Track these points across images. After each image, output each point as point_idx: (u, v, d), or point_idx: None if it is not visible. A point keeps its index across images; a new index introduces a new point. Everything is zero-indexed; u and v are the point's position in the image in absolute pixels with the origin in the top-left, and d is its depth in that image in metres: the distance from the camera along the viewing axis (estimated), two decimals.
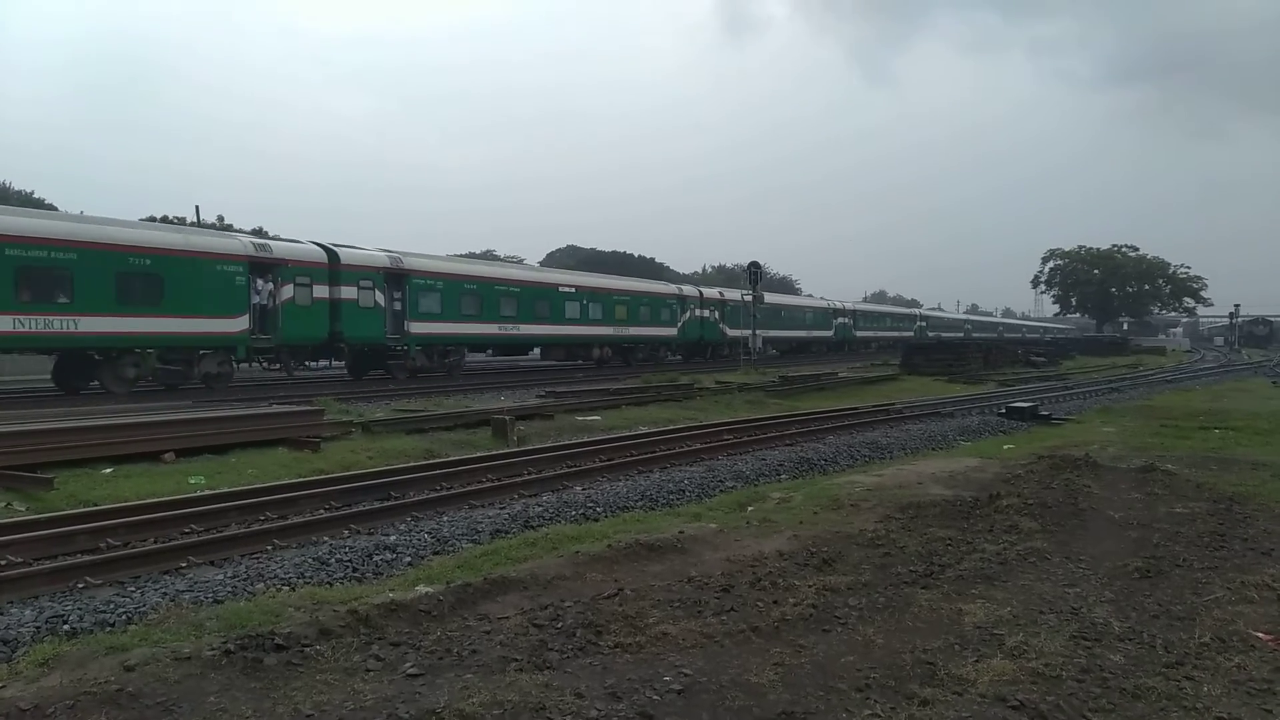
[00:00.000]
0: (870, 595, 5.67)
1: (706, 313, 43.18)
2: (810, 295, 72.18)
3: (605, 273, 44.65)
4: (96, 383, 20.38)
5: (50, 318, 18.52)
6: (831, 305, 61.59)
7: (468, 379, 28.04)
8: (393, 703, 3.91)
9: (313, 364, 27.25)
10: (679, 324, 41.47)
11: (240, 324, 22.00)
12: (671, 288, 44.01)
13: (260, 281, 22.63)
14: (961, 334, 78.91)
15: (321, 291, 23.92)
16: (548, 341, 34.75)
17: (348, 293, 24.70)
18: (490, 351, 34.98)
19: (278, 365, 24.61)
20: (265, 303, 22.67)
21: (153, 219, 46.09)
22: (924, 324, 78.16)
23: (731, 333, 44.26)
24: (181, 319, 20.82)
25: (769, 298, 47.63)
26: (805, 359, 48.72)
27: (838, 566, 6.35)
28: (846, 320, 61.45)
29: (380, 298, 25.68)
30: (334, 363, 28.32)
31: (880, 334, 66.27)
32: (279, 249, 23.84)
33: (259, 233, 42.54)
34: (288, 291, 23.06)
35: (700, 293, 44.31)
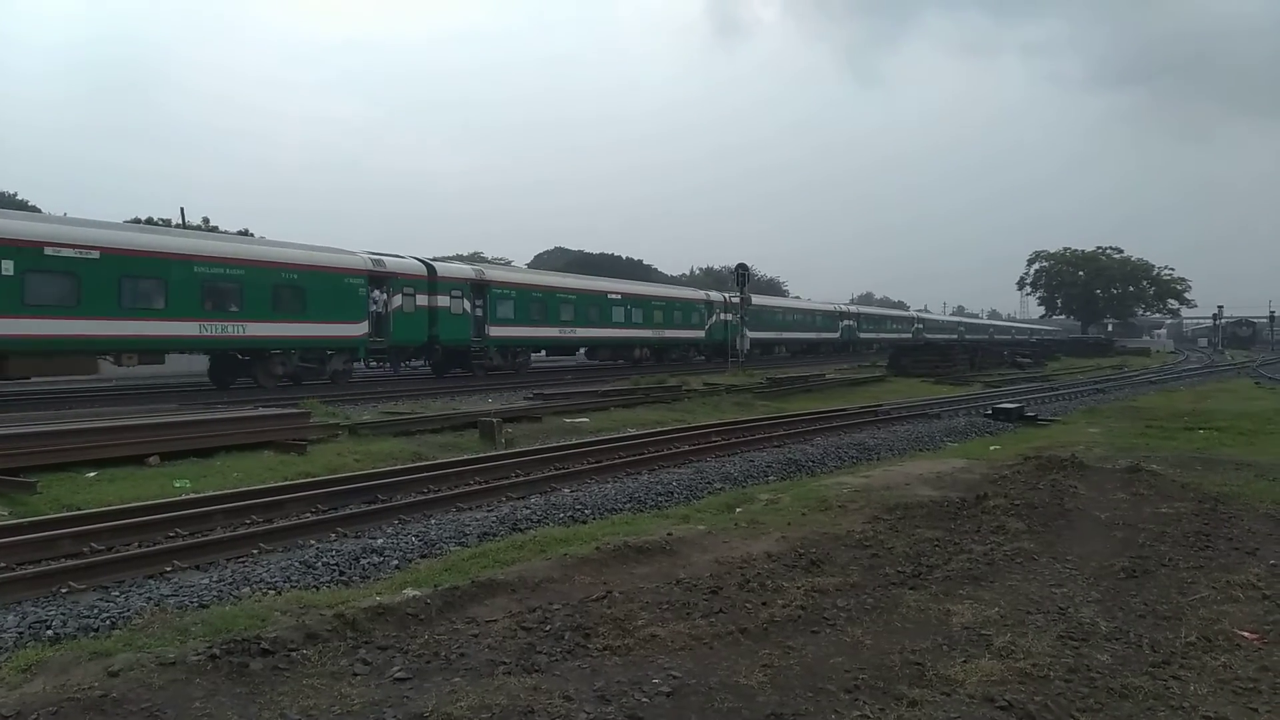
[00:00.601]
0: (858, 596, 5.68)
1: (730, 316, 44.92)
2: (799, 299, 74.09)
3: (634, 279, 48.03)
4: (247, 379, 23.91)
5: (225, 323, 22.29)
6: (838, 309, 65.12)
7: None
8: (380, 707, 3.89)
9: (410, 363, 30.81)
10: (706, 327, 44.64)
11: (361, 329, 25.61)
12: (700, 294, 46.97)
13: (376, 292, 26.01)
14: (955, 335, 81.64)
15: (422, 300, 27.51)
16: (597, 343, 38.20)
17: (442, 301, 28.26)
18: (544, 352, 37.71)
19: (386, 364, 28.65)
20: (379, 310, 26.06)
21: (137, 220, 45.91)
22: (921, 326, 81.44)
23: (754, 335, 46.79)
24: (319, 324, 24.53)
25: (783, 302, 56.79)
26: (811, 360, 50.52)
27: (826, 568, 6.36)
28: (851, 323, 64.99)
29: (467, 305, 29.27)
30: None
31: (881, 336, 68.87)
32: (390, 264, 27.04)
33: (245, 234, 42.37)
34: (396, 301, 26.61)
35: (725, 298, 46.59)
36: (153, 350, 22.11)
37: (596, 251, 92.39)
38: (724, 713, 3.95)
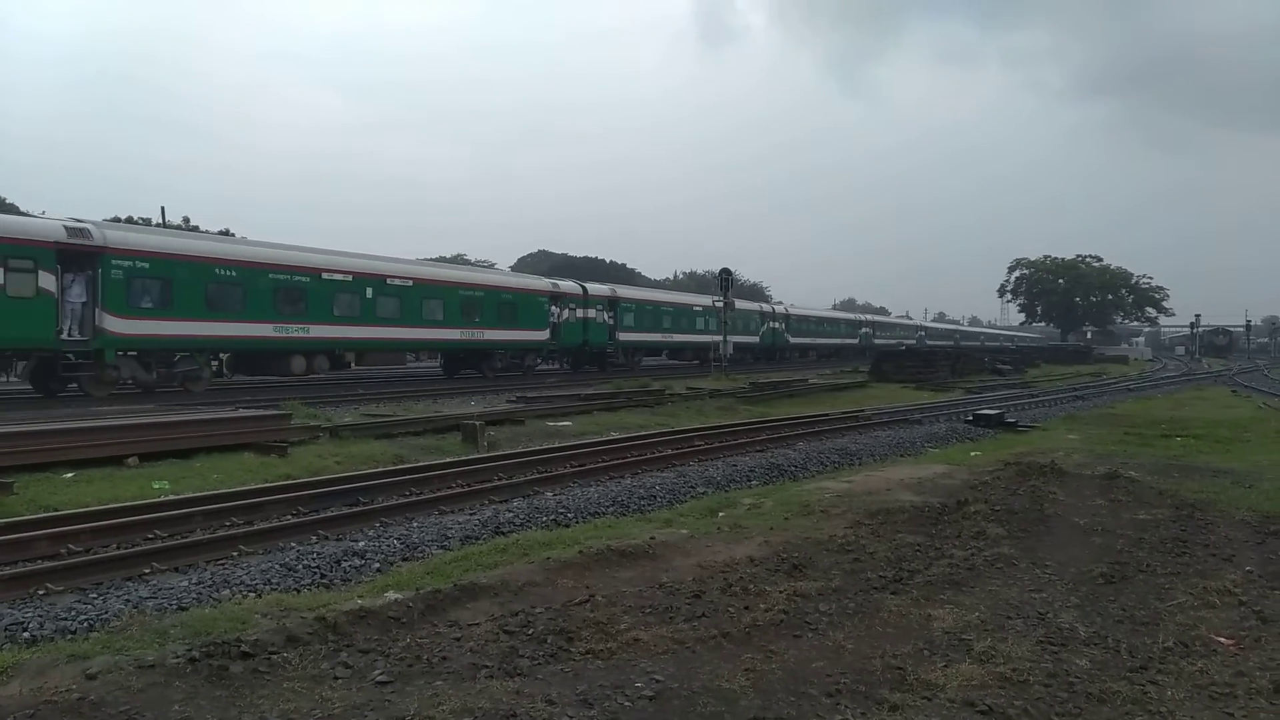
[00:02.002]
0: (840, 601, 5.70)
1: (778, 324, 55.75)
2: (829, 310, 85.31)
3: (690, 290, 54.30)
4: (471, 371, 32.53)
5: (474, 331, 30.75)
6: (858, 318, 78.02)
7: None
8: (362, 711, 3.87)
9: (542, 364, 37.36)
10: (759, 333, 53.22)
11: (545, 335, 34.48)
12: (755, 305, 55.67)
13: (553, 308, 34.85)
14: (951, 342, 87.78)
15: (579, 313, 36.39)
16: (685, 346, 45.84)
17: (591, 314, 37.12)
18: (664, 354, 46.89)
19: (554, 363, 37.90)
20: (555, 321, 34.73)
21: (118, 219, 45.52)
22: (923, 334, 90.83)
23: (794, 340, 57.94)
24: (523, 331, 33.32)
25: (814, 312, 67.50)
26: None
27: (808, 572, 6.38)
28: (868, 330, 74.66)
29: (606, 316, 38.09)
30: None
31: (890, 341, 76.47)
32: (562, 286, 36.40)
33: (225, 234, 42.12)
34: (565, 314, 35.48)
35: (774, 309, 56.66)
36: (435, 349, 32.96)
37: (580, 255, 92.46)
38: (706, 716, 3.96)
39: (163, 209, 42.68)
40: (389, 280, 27.44)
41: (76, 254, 19.23)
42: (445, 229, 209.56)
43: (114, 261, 19.89)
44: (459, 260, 70.44)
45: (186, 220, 50.05)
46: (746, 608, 5.48)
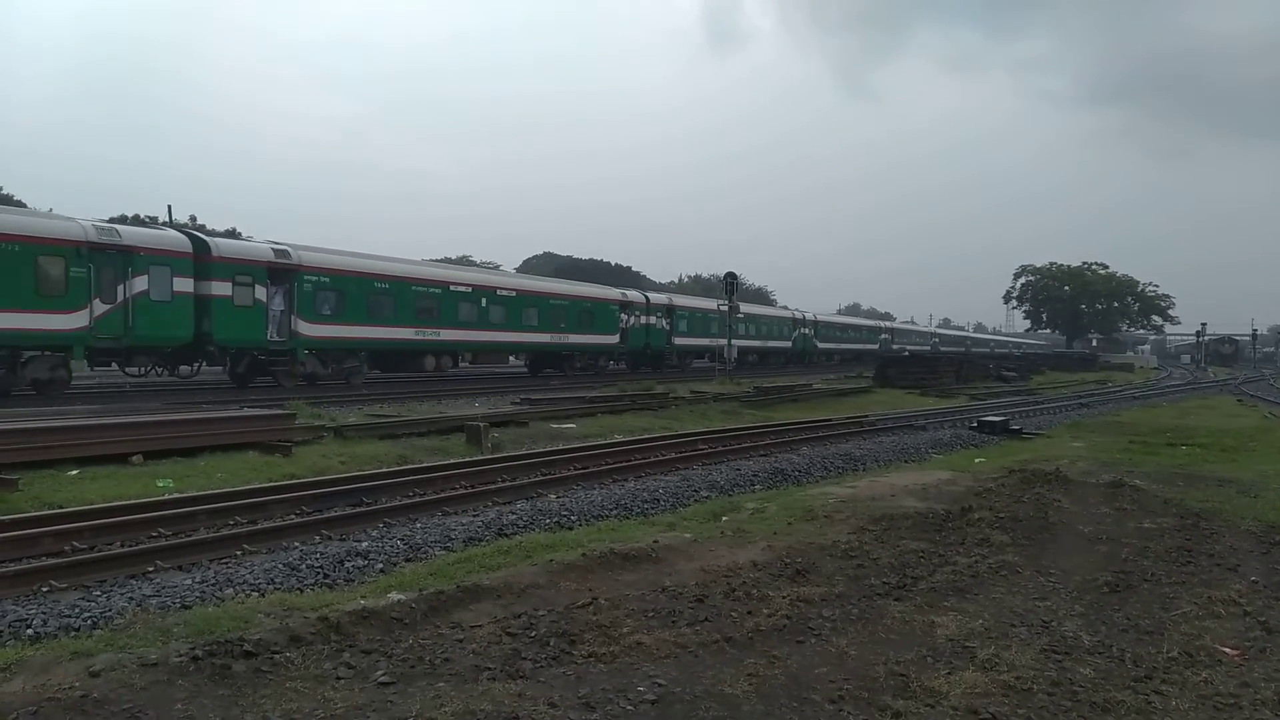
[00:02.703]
0: (843, 606, 5.69)
1: (807, 330, 60.02)
2: (854, 318, 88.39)
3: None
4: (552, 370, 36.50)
5: (561, 335, 34.95)
6: (878, 325, 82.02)
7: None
8: (364, 711, 3.87)
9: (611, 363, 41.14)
10: (791, 339, 57.78)
11: (616, 339, 38.65)
12: (786, 313, 60.06)
13: (622, 315, 39.21)
14: (963, 348, 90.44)
15: (643, 320, 40.95)
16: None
17: (652, 320, 41.76)
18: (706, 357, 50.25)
19: (620, 364, 41.31)
20: (623, 326, 39.20)
21: (124, 218, 45.71)
22: (937, 340, 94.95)
23: (821, 346, 62.34)
24: (599, 336, 37.45)
25: (840, 319, 73.77)
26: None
27: (811, 577, 6.37)
28: (887, 336, 78.44)
29: (664, 322, 42.55)
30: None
31: (909, 347, 79.74)
32: (630, 295, 40.90)
33: (232, 233, 42.25)
34: (631, 320, 39.89)
35: (803, 316, 60.43)
36: (530, 350, 36.06)
37: (585, 257, 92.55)
38: None
39: (170, 208, 42.79)
40: (498, 291, 32.24)
41: (279, 271, 23.65)
42: (448, 225, 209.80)
43: (305, 277, 24.29)
44: (464, 261, 70.92)
45: (193, 219, 50.19)
46: (749, 612, 5.47)
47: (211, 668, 4.24)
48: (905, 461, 15.69)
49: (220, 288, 22.06)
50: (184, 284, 21.35)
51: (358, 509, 9.64)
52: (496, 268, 64.84)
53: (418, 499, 10.30)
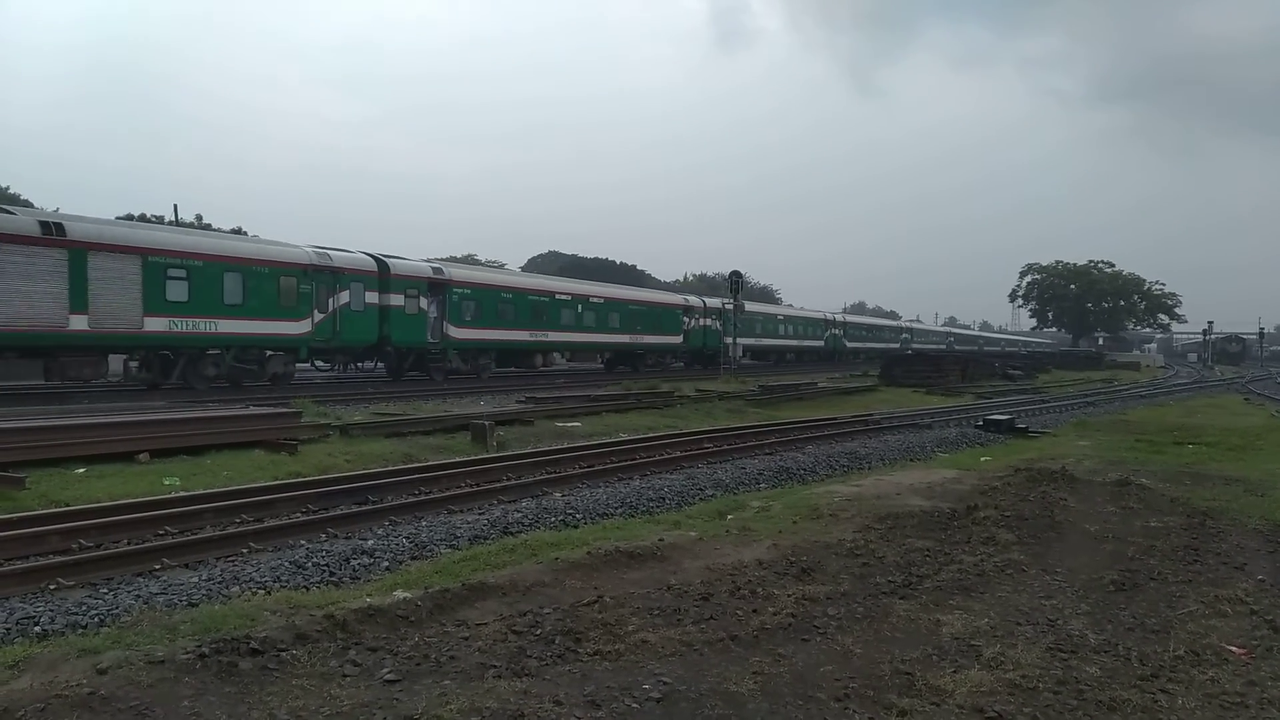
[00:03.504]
0: (849, 605, 5.68)
1: (837, 330, 65.07)
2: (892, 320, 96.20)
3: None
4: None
5: (635, 336, 39.80)
6: (899, 325, 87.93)
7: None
8: (370, 709, 3.88)
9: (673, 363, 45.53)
10: (824, 338, 62.56)
11: (680, 339, 43.68)
12: (819, 314, 64.19)
13: (685, 318, 43.89)
14: (975, 347, 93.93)
15: (700, 322, 45.49)
16: (773, 350, 55.95)
17: (708, 322, 45.77)
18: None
19: (679, 362, 45.94)
20: (686, 328, 43.77)
21: (130, 217, 45.94)
22: (952, 339, 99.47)
23: (849, 345, 66.05)
24: (666, 337, 42.33)
25: (865, 320, 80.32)
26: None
27: (817, 576, 6.36)
28: (907, 335, 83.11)
29: (719, 324, 45.62)
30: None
31: (926, 346, 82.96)
32: (690, 300, 46.51)
33: (238, 232, 42.35)
34: (691, 323, 44.68)
35: (834, 318, 66.25)
36: (612, 350, 40.11)
37: (590, 256, 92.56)
38: (714, 719, 3.96)
39: (175, 206, 42.92)
40: (590, 299, 37.40)
41: (435, 285, 28.89)
42: (453, 227, 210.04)
43: (453, 290, 29.61)
44: (469, 259, 71.32)
45: (199, 218, 50.30)
46: (755, 611, 5.47)
47: (218, 665, 4.25)
48: (911, 460, 15.67)
49: (396, 299, 27.20)
50: (371, 297, 26.42)
51: (363, 507, 9.65)
52: (502, 266, 65.04)
53: (423, 497, 10.31)
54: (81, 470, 10.71)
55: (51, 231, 18.93)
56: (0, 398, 18.37)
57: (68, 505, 8.91)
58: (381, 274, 26.78)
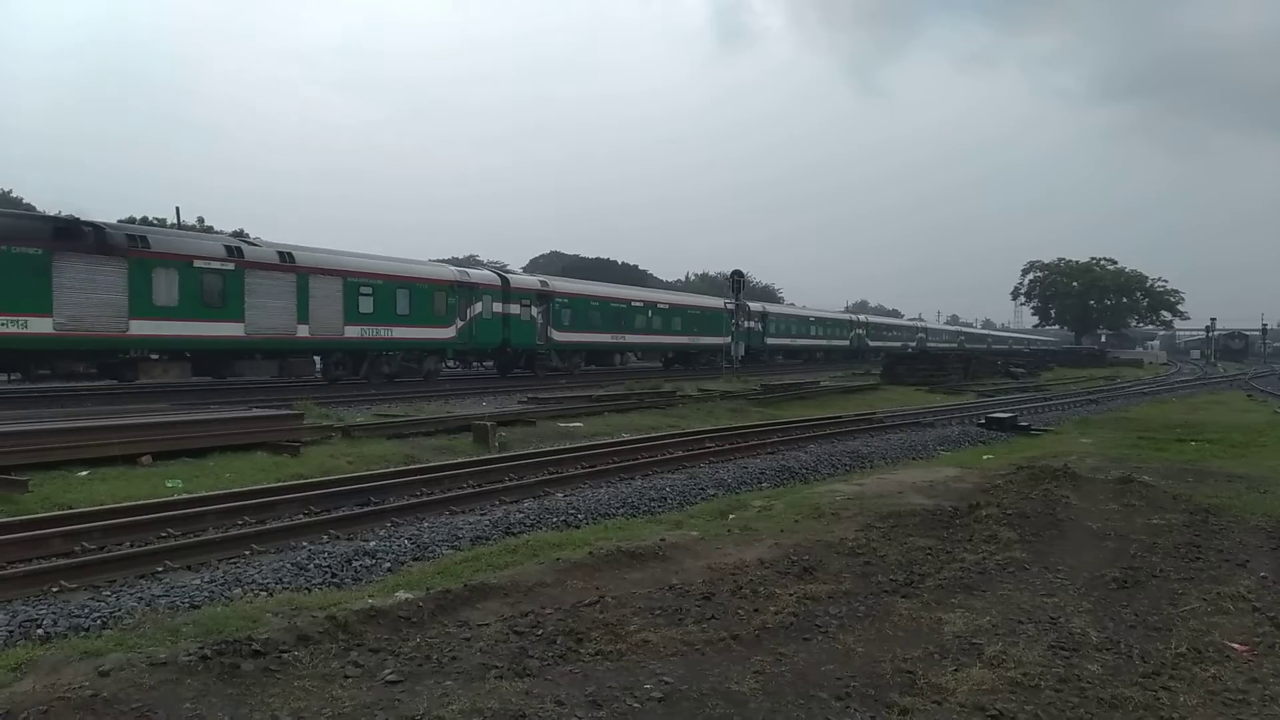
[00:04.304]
0: (851, 604, 5.68)
1: (861, 330, 69.96)
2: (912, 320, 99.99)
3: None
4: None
5: (692, 338, 45.23)
6: (915, 325, 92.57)
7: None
8: (371, 710, 3.88)
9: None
10: (849, 338, 66.91)
11: (728, 340, 44.00)
12: (846, 316, 70.41)
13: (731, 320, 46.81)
14: (985, 345, 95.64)
15: (745, 324, 46.80)
16: (806, 349, 60.93)
17: (753, 324, 49.08)
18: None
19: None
20: (733, 330, 46.95)
21: (132, 220, 45.85)
22: (964, 338, 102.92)
23: (872, 344, 69.58)
24: (716, 338, 45.12)
25: (885, 320, 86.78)
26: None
27: (818, 575, 6.36)
28: (923, 335, 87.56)
29: (760, 326, 51.37)
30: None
31: (941, 345, 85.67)
32: (734, 305, 49.56)
33: (239, 234, 42.43)
34: (748, 325, 47.80)
35: (856, 318, 72.32)
36: (673, 350, 45.28)
37: (592, 256, 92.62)
38: (715, 719, 3.96)
39: (178, 209, 42.86)
40: (658, 305, 43.04)
41: (542, 295, 34.16)
42: (455, 229, 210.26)
43: (556, 299, 35.02)
44: (471, 260, 71.51)
45: (201, 220, 50.32)
46: (756, 610, 5.47)
47: (220, 667, 4.25)
48: (913, 459, 15.67)
49: (514, 309, 32.45)
50: (497, 307, 31.67)
51: (365, 508, 9.66)
52: (504, 267, 65.16)
53: (425, 498, 10.32)
54: (84, 473, 10.72)
55: (286, 259, 23.83)
56: (3, 401, 18.42)
57: (71, 508, 8.91)
58: (504, 288, 32.20)
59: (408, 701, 3.97)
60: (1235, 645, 5.04)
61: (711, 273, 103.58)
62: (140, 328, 20.43)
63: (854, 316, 72.60)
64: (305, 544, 8.30)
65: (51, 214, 24.52)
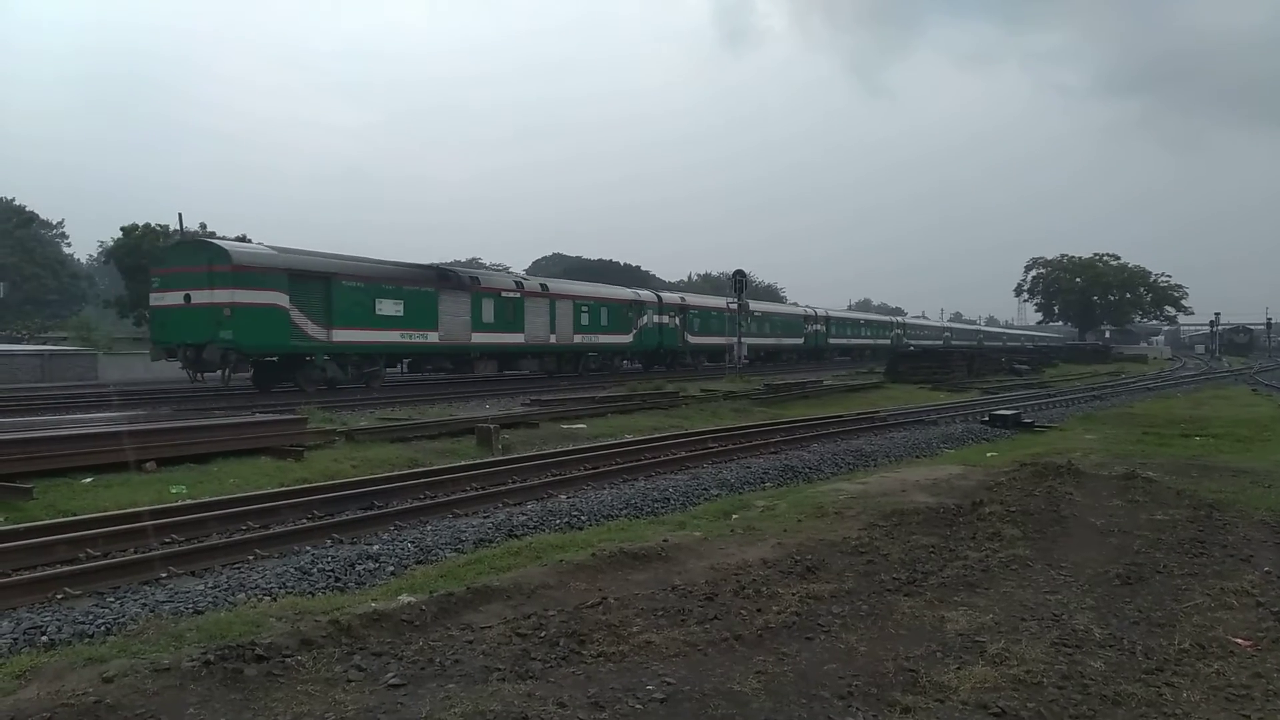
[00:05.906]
0: (853, 603, 5.68)
1: (900, 331, 78.27)
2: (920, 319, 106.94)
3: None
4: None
5: (774, 339, 53.89)
6: (942, 325, 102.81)
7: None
8: (374, 713, 3.89)
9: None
10: (890, 338, 74.89)
11: (801, 341, 57.70)
12: (888, 318, 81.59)
13: (806, 325, 57.56)
14: (1000, 343, 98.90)
15: (811, 327, 59.87)
16: (861, 348, 68.33)
17: (818, 327, 60.75)
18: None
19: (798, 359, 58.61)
20: (806, 332, 57.55)
21: (135, 226, 45.99)
22: (982, 336, 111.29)
23: (833, 342, 72.44)
24: (793, 339, 56.96)
25: (921, 322, 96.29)
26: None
27: (821, 574, 6.36)
28: (949, 334, 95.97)
29: (822, 329, 61.29)
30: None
31: (959, 343, 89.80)
32: (808, 310, 60.80)
33: (242, 238, 42.51)
34: (809, 329, 58.75)
35: (895, 320, 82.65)
36: (763, 350, 51.08)
37: (594, 258, 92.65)
38: (717, 719, 3.96)
39: (180, 215, 43.01)
40: (756, 313, 49.08)
41: (679, 308, 43.79)
42: (456, 230, 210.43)
43: (690, 311, 44.68)
44: (473, 263, 71.56)
45: (203, 226, 50.30)
46: (759, 610, 5.47)
47: (223, 672, 4.26)
48: (916, 457, 15.65)
49: (664, 319, 42.15)
50: (653, 318, 41.33)
51: (369, 512, 9.68)
52: (506, 269, 65.19)
53: (428, 501, 10.34)
54: (89, 480, 10.75)
55: (544, 289, 34.80)
56: (8, 409, 18.48)
57: (75, 515, 8.94)
58: (659, 303, 42.10)
59: (410, 704, 3.97)
60: (1239, 640, 5.03)
61: (714, 273, 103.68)
62: (476, 338, 30.25)
63: (894, 319, 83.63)
64: (309, 548, 8.32)
65: (431, 264, 33.94)
